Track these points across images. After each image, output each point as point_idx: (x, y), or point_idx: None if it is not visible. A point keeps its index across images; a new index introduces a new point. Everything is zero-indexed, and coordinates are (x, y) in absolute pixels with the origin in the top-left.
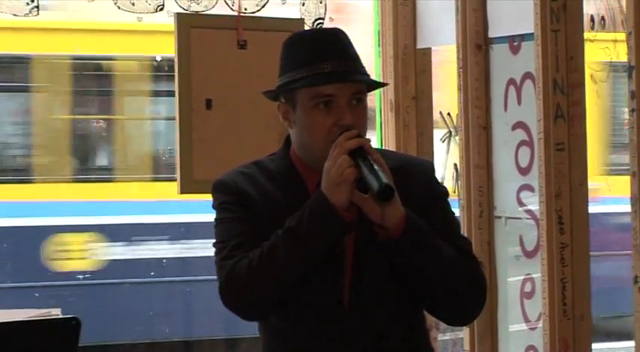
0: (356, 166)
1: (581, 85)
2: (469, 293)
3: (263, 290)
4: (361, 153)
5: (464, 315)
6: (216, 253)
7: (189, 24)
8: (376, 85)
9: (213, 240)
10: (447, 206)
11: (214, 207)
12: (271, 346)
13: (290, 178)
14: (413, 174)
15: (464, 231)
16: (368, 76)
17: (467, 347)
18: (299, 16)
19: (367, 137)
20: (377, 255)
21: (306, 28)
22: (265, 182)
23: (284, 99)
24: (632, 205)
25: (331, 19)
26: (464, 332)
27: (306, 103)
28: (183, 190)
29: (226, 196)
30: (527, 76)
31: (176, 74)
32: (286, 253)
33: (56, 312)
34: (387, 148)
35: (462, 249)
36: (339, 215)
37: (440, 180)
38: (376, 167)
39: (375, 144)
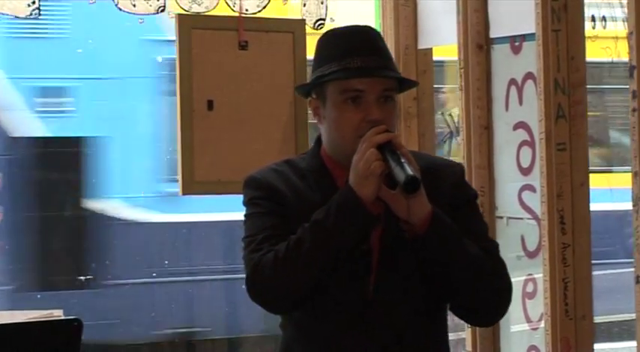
0: (384, 160)
1: (583, 84)
2: (494, 292)
3: (289, 284)
4: (389, 147)
5: (488, 315)
6: (244, 247)
7: (190, 25)
8: (407, 83)
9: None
10: (476, 208)
11: (244, 203)
12: (293, 340)
13: (321, 176)
14: (443, 175)
15: None
16: (398, 73)
17: (469, 347)
18: (300, 17)
19: (396, 133)
20: (404, 252)
21: (307, 29)
22: (296, 180)
23: (315, 94)
24: (634, 205)
25: (332, 20)
26: (466, 333)
27: (335, 98)
28: (185, 191)
29: (257, 192)
30: (529, 76)
31: (177, 75)
32: (313, 246)
33: (58, 313)
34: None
35: (489, 251)
36: (366, 208)
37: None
38: (403, 160)
39: None
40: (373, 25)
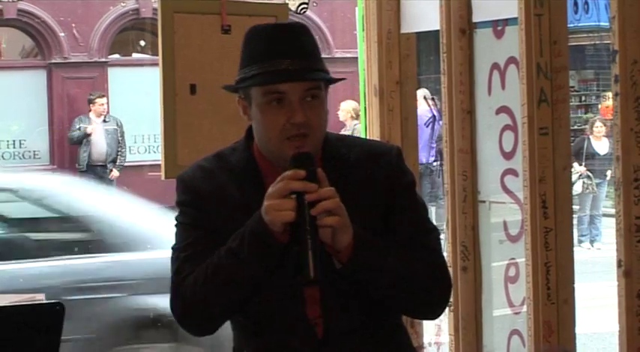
0: (297, 212)
1: (565, 69)
2: (431, 296)
3: (207, 310)
4: (303, 203)
5: (430, 314)
6: (171, 259)
7: (173, 9)
8: (330, 80)
9: None
10: (414, 194)
11: (175, 203)
12: (240, 339)
13: (249, 173)
14: (380, 161)
15: (448, 216)
16: (324, 72)
17: (451, 331)
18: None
19: (318, 168)
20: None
21: (290, 12)
22: (224, 177)
23: (242, 94)
24: (616, 189)
25: (315, 4)
26: (448, 317)
27: (259, 99)
28: (168, 175)
29: (183, 196)
30: (511, 60)
31: (160, 59)
32: (228, 274)
33: (40, 297)
34: (354, 135)
35: (427, 247)
36: (275, 237)
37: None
38: (309, 244)
39: (360, 129)
40: (356, 10)
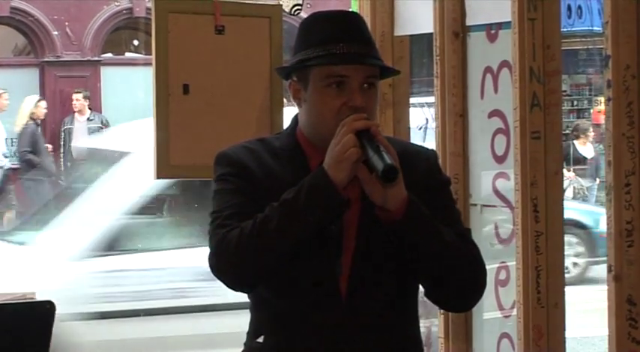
0: (361, 147)
1: (558, 73)
2: (470, 277)
3: (251, 261)
4: (368, 135)
5: (464, 300)
6: (210, 222)
7: (166, 9)
8: (389, 71)
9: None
10: (449, 194)
11: (214, 179)
12: (263, 322)
13: (293, 155)
14: (416, 161)
15: None
16: (382, 61)
17: (441, 334)
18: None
19: (375, 121)
20: (379, 237)
21: (284, 14)
22: (268, 158)
23: (296, 77)
24: (607, 194)
25: (309, 6)
26: (438, 320)
27: (318, 82)
28: (160, 175)
29: (226, 168)
30: (504, 64)
31: (153, 59)
32: (279, 225)
33: (31, 295)
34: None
35: (464, 236)
36: (338, 191)
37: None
38: (382, 149)
39: None
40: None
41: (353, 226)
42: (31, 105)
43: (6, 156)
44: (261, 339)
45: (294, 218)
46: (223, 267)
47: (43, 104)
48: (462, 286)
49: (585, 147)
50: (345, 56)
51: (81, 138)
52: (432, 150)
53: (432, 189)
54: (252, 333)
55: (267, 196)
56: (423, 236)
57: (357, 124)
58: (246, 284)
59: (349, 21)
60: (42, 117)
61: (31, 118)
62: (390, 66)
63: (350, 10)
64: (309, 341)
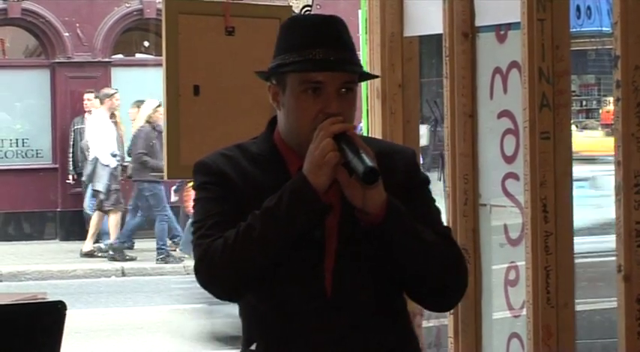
0: (340, 150)
1: (567, 74)
2: (451, 277)
3: (236, 270)
4: (345, 137)
5: (447, 300)
6: (193, 232)
7: (177, 10)
8: (367, 76)
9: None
10: (429, 193)
11: (194, 187)
12: (253, 329)
13: (272, 160)
14: (394, 161)
15: (449, 219)
16: (360, 66)
17: (451, 334)
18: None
19: (352, 124)
20: (361, 240)
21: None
22: (247, 164)
23: (275, 81)
24: (616, 194)
25: (318, 7)
26: (448, 320)
27: (295, 87)
28: (170, 175)
29: (206, 177)
30: (514, 64)
31: (164, 60)
32: (262, 233)
33: (42, 296)
34: (371, 136)
35: (444, 235)
36: (319, 196)
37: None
38: (361, 151)
39: (361, 132)
40: (359, 13)
41: (334, 229)
42: (150, 109)
43: (114, 156)
44: (254, 347)
45: (277, 225)
46: (209, 278)
47: (161, 109)
48: (443, 285)
49: None
50: (321, 62)
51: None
52: (411, 148)
53: (411, 189)
54: (246, 341)
55: (248, 203)
56: (403, 237)
57: (334, 128)
58: (234, 293)
59: (328, 26)
60: (159, 122)
61: (148, 122)
62: (367, 71)
63: (331, 14)
64: (297, 345)
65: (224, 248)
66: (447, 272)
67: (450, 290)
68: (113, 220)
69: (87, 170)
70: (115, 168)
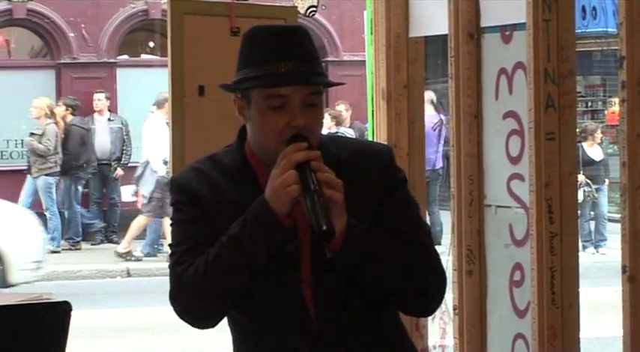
0: (301, 183)
1: (572, 74)
2: (423, 287)
3: (209, 299)
4: (309, 167)
5: (422, 306)
6: (169, 256)
7: (182, 11)
8: (331, 83)
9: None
10: (406, 192)
11: (170, 204)
12: (237, 340)
13: (243, 173)
14: (370, 162)
15: (454, 220)
16: (324, 75)
17: (456, 334)
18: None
19: (316, 151)
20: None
21: (299, 15)
22: (218, 177)
23: (240, 94)
24: (622, 195)
25: (324, 7)
26: (453, 320)
27: (259, 102)
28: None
29: (179, 195)
30: (519, 65)
31: (169, 61)
32: (230, 261)
33: (47, 296)
34: (376, 137)
35: (418, 242)
36: (280, 221)
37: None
38: (318, 202)
39: (367, 132)
40: (365, 13)
41: (307, 241)
42: None
43: (165, 163)
44: None
45: (243, 252)
46: (183, 307)
47: None
48: (416, 295)
49: (593, 149)
50: (283, 77)
51: (103, 138)
52: (388, 147)
53: (388, 188)
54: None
55: (219, 219)
56: (365, 261)
57: (298, 156)
58: (209, 322)
59: (290, 36)
60: None
61: None
62: (330, 81)
63: (294, 24)
64: None
65: (194, 278)
66: (417, 285)
67: (424, 298)
68: (140, 222)
69: (137, 171)
70: (163, 177)
